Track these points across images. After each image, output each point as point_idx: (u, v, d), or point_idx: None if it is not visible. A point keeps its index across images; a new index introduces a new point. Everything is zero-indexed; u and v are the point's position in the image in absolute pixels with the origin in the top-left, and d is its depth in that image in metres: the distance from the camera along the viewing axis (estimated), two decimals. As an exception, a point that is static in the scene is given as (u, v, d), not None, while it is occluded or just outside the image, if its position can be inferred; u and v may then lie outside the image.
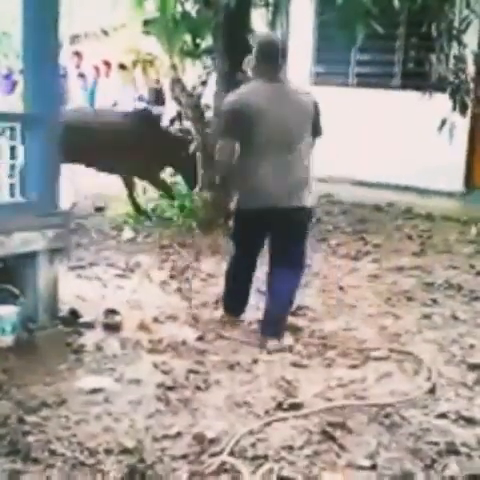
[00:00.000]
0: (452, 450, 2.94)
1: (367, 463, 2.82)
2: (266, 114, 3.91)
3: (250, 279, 4.37)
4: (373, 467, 2.80)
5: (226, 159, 3.98)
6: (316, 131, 4.18)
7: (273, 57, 4.03)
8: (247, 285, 4.38)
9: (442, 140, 7.11)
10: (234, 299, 4.43)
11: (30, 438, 2.88)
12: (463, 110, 7.12)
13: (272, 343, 3.99)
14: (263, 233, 4.17)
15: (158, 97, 12.72)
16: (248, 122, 3.90)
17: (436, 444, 2.99)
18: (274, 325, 4.10)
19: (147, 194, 7.99)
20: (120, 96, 12.27)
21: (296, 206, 4.01)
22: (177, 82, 7.03)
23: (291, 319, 4.32)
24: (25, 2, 3.97)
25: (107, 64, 13.07)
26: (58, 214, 4.12)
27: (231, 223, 6.64)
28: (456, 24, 7.08)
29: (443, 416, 3.25)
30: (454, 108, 7.09)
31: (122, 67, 12.63)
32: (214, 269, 5.47)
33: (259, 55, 4.04)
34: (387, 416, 3.22)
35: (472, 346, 4.15)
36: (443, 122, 7.00)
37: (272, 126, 3.91)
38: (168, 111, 12.79)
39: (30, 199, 4.02)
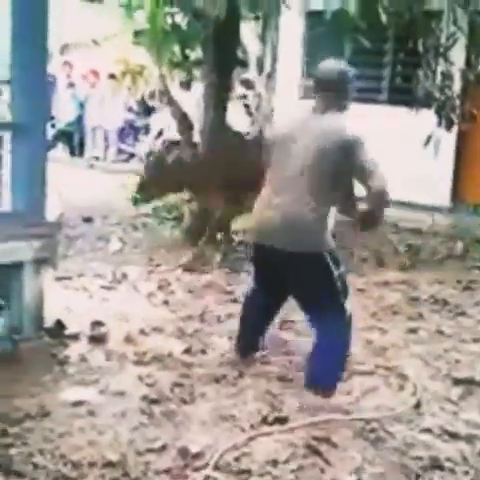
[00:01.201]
0: (436, 465, 2.95)
1: (352, 479, 2.82)
2: (282, 145, 3.64)
3: (263, 321, 3.95)
4: (358, 482, 2.80)
5: None
6: (344, 185, 3.66)
7: (317, 86, 3.75)
8: (259, 328, 3.96)
9: (429, 155, 7.16)
10: (244, 341, 3.99)
11: (13, 450, 2.85)
12: (449, 126, 7.18)
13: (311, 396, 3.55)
14: (268, 272, 3.75)
15: (147, 108, 12.73)
16: (272, 150, 3.72)
17: (420, 459, 2.99)
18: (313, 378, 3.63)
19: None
20: (110, 106, 12.29)
21: (290, 250, 3.51)
22: (165, 93, 7.04)
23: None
24: (13, 11, 3.96)
25: (95, 74, 13.08)
26: (45, 224, 4.10)
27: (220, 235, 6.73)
28: (443, 40, 7.14)
29: (428, 431, 3.26)
30: (439, 124, 7.14)
31: (112, 77, 12.65)
32: (199, 281, 5.47)
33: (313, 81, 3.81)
34: (372, 431, 3.22)
35: (457, 361, 4.16)
36: (429, 137, 7.05)
37: (281, 157, 3.62)
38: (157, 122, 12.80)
39: (17, 209, 4.00)
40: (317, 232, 3.53)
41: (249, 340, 3.97)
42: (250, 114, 11.76)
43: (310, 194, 3.49)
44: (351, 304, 3.65)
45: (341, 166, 3.50)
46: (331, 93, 3.67)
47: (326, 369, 3.60)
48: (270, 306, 3.93)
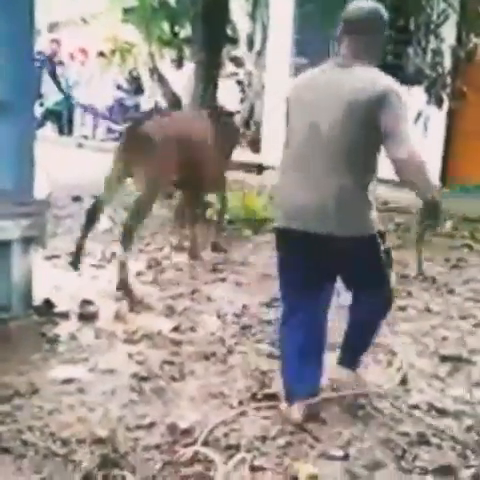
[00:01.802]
0: (423, 441, 2.98)
1: (339, 453, 2.84)
2: (304, 104, 3.05)
3: (314, 340, 3.17)
4: (345, 457, 2.82)
5: None
6: (384, 137, 2.86)
7: (345, 29, 3.08)
8: (303, 353, 3.13)
9: (418, 133, 7.15)
10: (291, 377, 3.15)
11: (1, 428, 2.86)
12: (439, 103, 7.16)
13: (344, 371, 3.39)
14: (304, 261, 3.10)
15: (137, 86, 12.66)
16: (289, 111, 3.14)
17: (407, 435, 3.02)
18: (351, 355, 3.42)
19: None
20: (99, 84, 12.21)
21: (319, 232, 2.96)
22: (154, 70, 7.00)
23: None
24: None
25: (84, 52, 12.97)
26: (33, 203, 4.08)
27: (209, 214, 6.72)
28: (434, 18, 7.11)
29: (415, 407, 3.28)
30: (429, 101, 7.13)
31: (101, 55, 12.55)
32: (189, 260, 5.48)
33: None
34: (360, 407, 3.24)
35: (445, 338, 4.19)
36: (418, 115, 7.03)
37: (303, 120, 3.02)
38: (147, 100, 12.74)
39: (4, 188, 3.98)
40: (363, 210, 2.99)
41: (302, 377, 3.13)
42: (242, 91, 11.74)
43: (346, 164, 2.92)
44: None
45: (375, 122, 2.86)
46: (362, 37, 3.01)
47: (366, 346, 3.44)
48: (316, 311, 3.16)
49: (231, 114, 6.60)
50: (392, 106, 2.86)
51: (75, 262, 4.97)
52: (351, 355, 3.42)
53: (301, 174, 3.01)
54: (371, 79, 2.91)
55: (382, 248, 3.09)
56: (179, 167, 5.14)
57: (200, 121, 5.80)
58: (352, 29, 3.03)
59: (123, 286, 4.64)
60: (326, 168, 2.94)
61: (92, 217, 5.01)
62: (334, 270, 3.14)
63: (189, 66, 8.44)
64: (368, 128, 2.88)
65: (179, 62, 9.71)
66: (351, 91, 2.89)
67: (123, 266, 4.68)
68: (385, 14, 3.05)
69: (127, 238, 4.75)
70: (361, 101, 2.86)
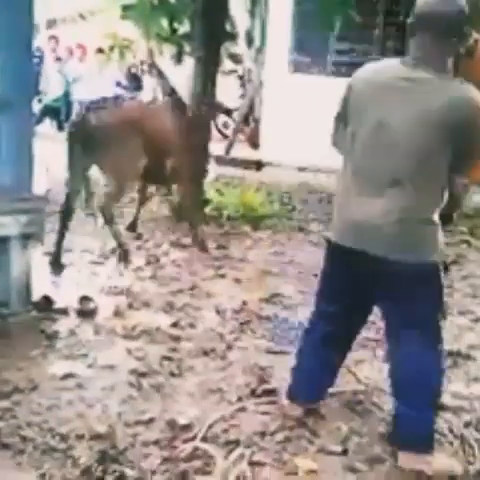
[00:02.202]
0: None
1: (338, 448, 2.85)
2: (368, 102, 2.69)
3: (327, 355, 3.02)
4: (344, 452, 2.82)
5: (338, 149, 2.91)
6: (457, 163, 2.60)
7: (417, 24, 2.64)
8: (321, 363, 3.04)
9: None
10: (301, 380, 3.09)
11: (1, 423, 2.86)
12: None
13: (407, 456, 2.76)
14: (351, 282, 2.85)
15: (136, 82, 12.65)
16: (350, 110, 2.79)
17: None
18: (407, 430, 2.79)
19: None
20: (98, 81, 12.17)
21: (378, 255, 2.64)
22: (153, 66, 6.98)
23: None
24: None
25: (82, 48, 12.96)
26: (32, 199, 4.08)
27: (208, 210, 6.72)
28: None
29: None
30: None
31: (100, 51, 12.54)
32: (188, 256, 5.47)
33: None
34: (359, 402, 3.25)
35: (444, 334, 4.18)
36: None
37: (368, 121, 2.67)
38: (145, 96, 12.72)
39: (3, 184, 3.97)
40: (428, 234, 2.65)
41: (313, 385, 3.07)
42: (243, 86, 11.73)
43: (415, 179, 2.59)
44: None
45: (456, 145, 2.55)
46: (438, 33, 2.58)
47: (416, 413, 2.74)
48: (347, 330, 3.00)
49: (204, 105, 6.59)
50: (472, 131, 2.55)
51: (56, 262, 5.00)
52: (399, 427, 2.83)
53: (360, 183, 2.71)
54: (451, 90, 2.55)
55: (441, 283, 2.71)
56: (135, 155, 5.23)
57: (161, 111, 5.89)
58: (429, 24, 2.59)
59: (123, 248, 5.23)
60: (389, 179, 2.62)
61: (66, 213, 5.12)
62: (379, 295, 2.80)
63: (188, 62, 8.43)
64: (438, 143, 2.55)
65: (178, 58, 9.71)
66: (422, 98, 2.54)
67: (118, 236, 5.30)
68: (465, 8, 2.61)
69: (108, 217, 5.27)
70: (435, 113, 2.51)
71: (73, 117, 5.15)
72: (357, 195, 2.71)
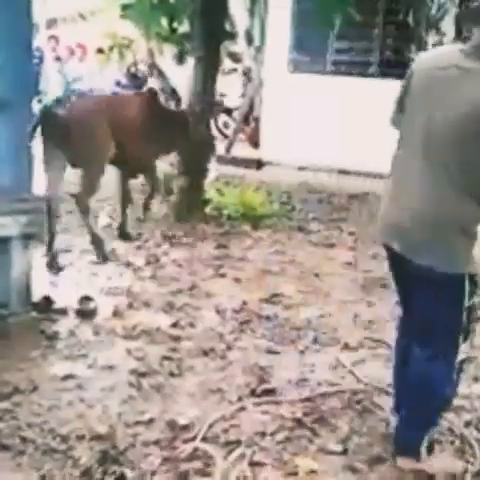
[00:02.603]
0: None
1: (338, 448, 2.85)
2: (419, 101, 2.53)
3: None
4: (344, 452, 2.82)
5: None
6: None
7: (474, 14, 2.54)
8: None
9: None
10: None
11: (1, 424, 2.86)
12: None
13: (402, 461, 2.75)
14: (402, 286, 2.79)
15: (136, 82, 12.63)
16: (406, 98, 2.61)
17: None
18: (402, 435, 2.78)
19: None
20: (98, 81, 12.16)
21: (412, 260, 2.53)
22: (153, 66, 6.98)
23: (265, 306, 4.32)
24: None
25: (82, 48, 12.94)
26: (31, 200, 4.07)
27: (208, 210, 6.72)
28: (433, 12, 7.11)
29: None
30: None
31: (100, 51, 12.54)
32: (188, 255, 5.47)
33: None
34: (359, 402, 3.24)
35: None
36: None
37: (415, 122, 2.52)
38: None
39: (2, 184, 3.97)
40: (461, 243, 2.47)
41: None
42: (246, 83, 11.71)
43: (461, 180, 2.39)
44: (467, 350, 2.66)
45: None
46: None
47: (412, 423, 2.74)
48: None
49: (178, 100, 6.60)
50: None
51: (52, 263, 5.01)
52: (401, 433, 2.78)
53: (402, 182, 2.58)
54: None
55: (467, 303, 2.53)
56: (103, 144, 5.31)
57: (129, 103, 5.91)
58: None
59: (95, 241, 5.28)
60: (432, 182, 2.44)
61: (52, 213, 5.12)
62: (413, 298, 2.68)
63: (190, 62, 8.43)
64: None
65: (180, 57, 9.70)
66: (471, 91, 2.34)
67: (92, 229, 5.32)
68: None
69: (82, 208, 5.30)
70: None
71: (39, 110, 5.17)
72: (398, 193, 2.60)
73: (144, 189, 6.47)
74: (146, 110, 5.81)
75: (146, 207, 6.20)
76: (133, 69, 12.71)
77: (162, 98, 7.08)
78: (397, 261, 2.65)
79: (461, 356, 2.60)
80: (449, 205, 2.43)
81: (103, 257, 5.25)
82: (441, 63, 2.48)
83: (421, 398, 2.68)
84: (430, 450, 2.77)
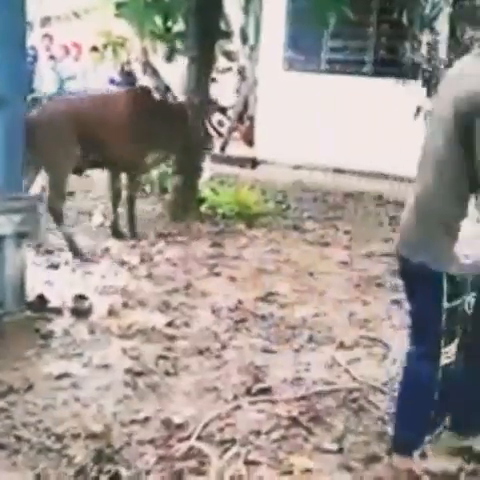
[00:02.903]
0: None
1: (334, 447, 2.85)
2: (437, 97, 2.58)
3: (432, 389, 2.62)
4: (340, 451, 2.82)
5: None
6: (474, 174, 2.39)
7: None
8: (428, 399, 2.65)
9: (414, 128, 7.14)
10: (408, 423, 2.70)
11: (-5, 424, 2.86)
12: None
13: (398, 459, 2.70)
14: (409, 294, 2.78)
15: (129, 80, 12.60)
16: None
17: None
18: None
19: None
20: (92, 79, 12.13)
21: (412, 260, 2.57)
22: (147, 64, 6.97)
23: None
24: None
25: (77, 46, 12.91)
26: (24, 198, 4.06)
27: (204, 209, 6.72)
28: (427, 11, 7.10)
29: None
30: (429, 94, 7.10)
31: (94, 49, 12.50)
32: (182, 254, 5.46)
33: None
34: (354, 401, 3.24)
35: (439, 331, 4.19)
36: (418, 109, 7.02)
37: (428, 127, 2.59)
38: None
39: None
40: (445, 243, 2.48)
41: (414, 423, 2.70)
42: (240, 82, 11.69)
43: (444, 177, 2.45)
44: (453, 353, 2.62)
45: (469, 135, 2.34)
46: None
47: (406, 421, 2.71)
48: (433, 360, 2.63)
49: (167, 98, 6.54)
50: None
51: (77, 251, 5.23)
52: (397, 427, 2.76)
53: (416, 187, 2.59)
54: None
55: (445, 305, 2.52)
56: (80, 146, 5.33)
57: (114, 101, 5.89)
58: None
59: (74, 249, 5.26)
60: (422, 176, 2.54)
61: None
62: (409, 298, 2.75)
63: (182, 60, 8.41)
64: (458, 143, 2.37)
65: (170, 56, 9.69)
66: (458, 85, 2.35)
67: (68, 236, 5.32)
68: None
69: (56, 215, 5.30)
70: (463, 103, 2.32)
71: None
72: (411, 200, 2.63)
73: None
74: (133, 107, 5.76)
75: (131, 212, 6.05)
76: (127, 67, 12.68)
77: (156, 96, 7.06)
78: (405, 270, 2.68)
79: (445, 360, 2.59)
80: (436, 203, 2.49)
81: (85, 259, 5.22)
82: (455, 68, 2.56)
83: (411, 396, 2.68)
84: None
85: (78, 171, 5.81)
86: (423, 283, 2.56)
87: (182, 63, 7.65)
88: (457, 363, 2.64)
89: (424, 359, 2.62)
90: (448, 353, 2.60)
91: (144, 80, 12.03)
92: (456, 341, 2.61)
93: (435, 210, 2.49)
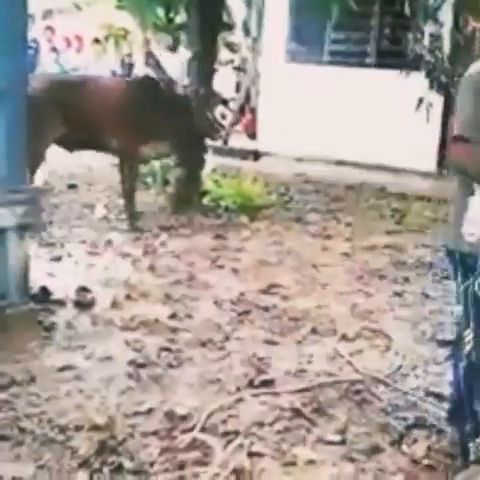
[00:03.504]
0: (420, 425, 2.98)
1: (337, 438, 2.85)
2: None
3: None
4: (342, 442, 2.83)
5: None
6: None
7: None
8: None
9: (416, 119, 7.13)
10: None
11: (-1, 415, 2.86)
12: (440, 89, 7.12)
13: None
14: None
15: (131, 72, 12.58)
16: None
17: (405, 419, 3.03)
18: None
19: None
20: (94, 71, 12.11)
21: None
22: (150, 55, 6.96)
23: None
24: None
25: (78, 38, 12.89)
26: (27, 190, 4.06)
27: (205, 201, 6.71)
28: (431, 2, 7.08)
29: (412, 392, 3.29)
30: (431, 86, 7.08)
31: (96, 41, 12.48)
32: (185, 246, 5.46)
33: None
34: (357, 392, 3.25)
35: (442, 323, 4.20)
36: (420, 101, 7.00)
37: None
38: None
39: (-2, 175, 3.96)
40: (453, 219, 2.64)
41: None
42: (242, 74, 11.67)
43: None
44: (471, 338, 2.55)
45: None
46: None
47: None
48: None
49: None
50: None
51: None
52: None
53: None
54: None
55: (464, 285, 2.53)
56: (65, 123, 5.50)
57: (112, 87, 5.99)
58: None
59: None
60: None
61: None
62: None
63: (185, 51, 8.40)
64: None
65: (174, 47, 9.67)
66: None
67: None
68: None
69: None
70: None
71: None
72: None
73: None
74: (132, 95, 5.80)
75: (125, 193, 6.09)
76: (128, 59, 12.67)
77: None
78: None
79: (467, 346, 2.53)
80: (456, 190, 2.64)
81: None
82: None
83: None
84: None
85: (68, 148, 6.01)
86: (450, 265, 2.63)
87: (184, 56, 7.63)
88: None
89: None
90: (466, 338, 2.55)
91: (146, 71, 12.04)
92: (472, 325, 2.53)
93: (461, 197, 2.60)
